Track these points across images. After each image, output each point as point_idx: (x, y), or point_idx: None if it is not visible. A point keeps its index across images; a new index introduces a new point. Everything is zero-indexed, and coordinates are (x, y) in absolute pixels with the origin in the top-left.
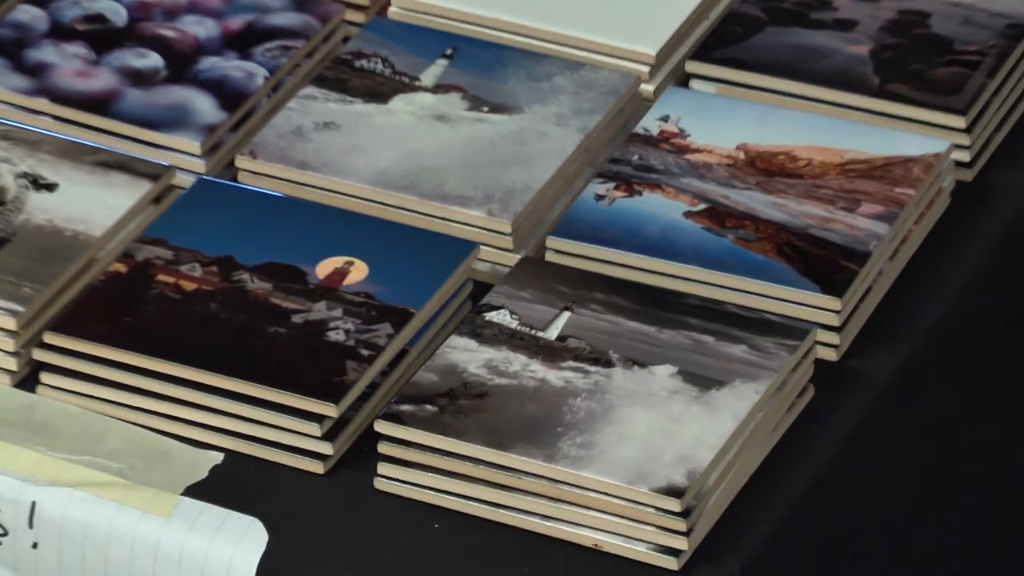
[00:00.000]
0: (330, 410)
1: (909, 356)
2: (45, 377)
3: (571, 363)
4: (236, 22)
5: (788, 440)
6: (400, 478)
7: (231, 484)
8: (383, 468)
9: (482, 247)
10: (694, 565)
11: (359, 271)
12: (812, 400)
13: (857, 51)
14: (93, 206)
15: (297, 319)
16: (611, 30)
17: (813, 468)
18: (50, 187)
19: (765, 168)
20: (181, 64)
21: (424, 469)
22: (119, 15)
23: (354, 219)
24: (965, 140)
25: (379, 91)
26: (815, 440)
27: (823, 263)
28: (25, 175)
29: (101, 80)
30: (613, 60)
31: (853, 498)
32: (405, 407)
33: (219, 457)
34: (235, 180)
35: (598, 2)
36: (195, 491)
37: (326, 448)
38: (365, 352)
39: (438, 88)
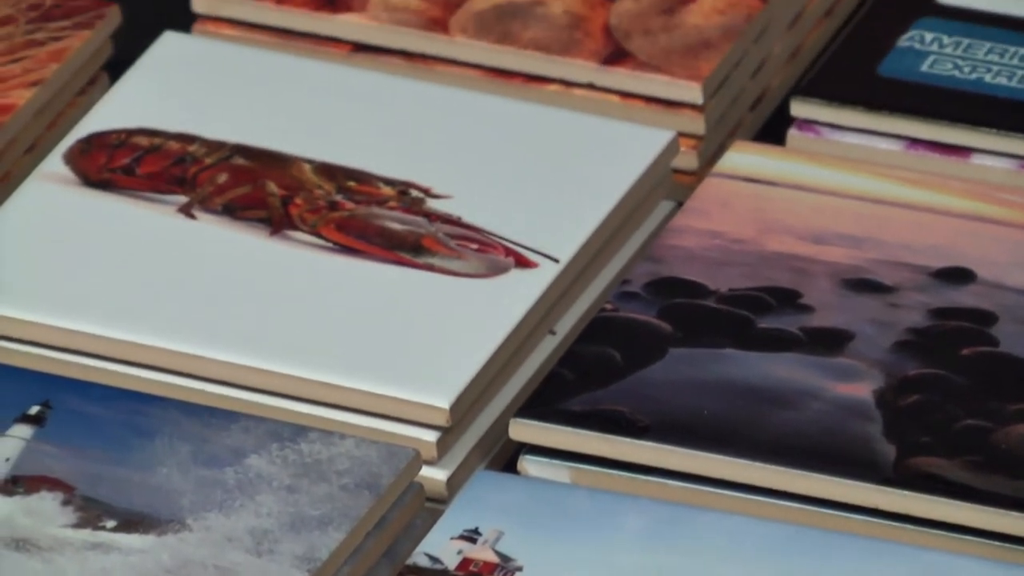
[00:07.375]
0: None
1: None
2: None
3: None
4: None
5: None
6: None
7: None
8: None
9: None
10: None
11: None
12: None
13: (852, 393)
14: None
15: None
16: (363, 369)
17: None
18: None
19: None
20: None
21: None
22: None
23: None
24: None
25: None
26: None
27: None
28: None
29: None
30: (365, 421)
31: None
32: None
33: None
34: None
35: (348, 327)
36: None
37: None
38: None
39: (18, 481)
